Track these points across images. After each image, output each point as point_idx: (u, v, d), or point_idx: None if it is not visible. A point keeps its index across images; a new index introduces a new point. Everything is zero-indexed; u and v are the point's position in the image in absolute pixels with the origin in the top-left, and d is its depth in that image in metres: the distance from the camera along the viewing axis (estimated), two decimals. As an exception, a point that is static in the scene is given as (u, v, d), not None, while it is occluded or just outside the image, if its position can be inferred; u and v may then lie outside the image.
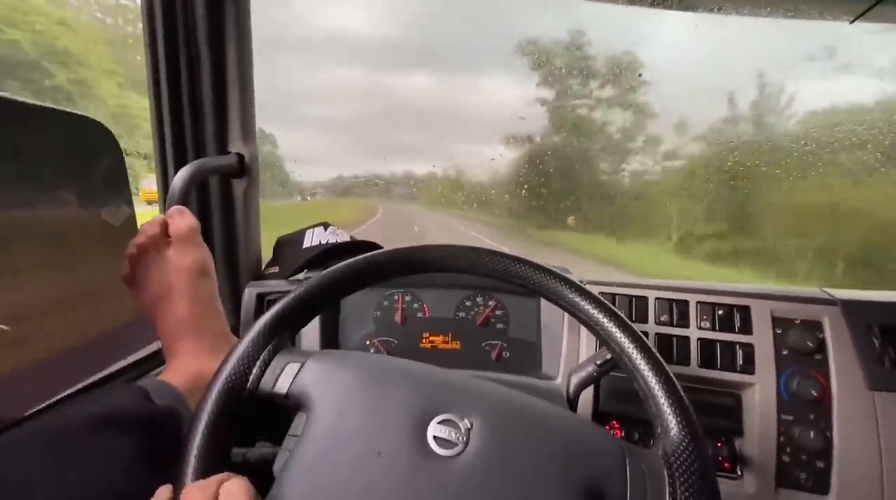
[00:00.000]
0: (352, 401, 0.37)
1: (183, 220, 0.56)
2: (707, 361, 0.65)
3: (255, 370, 0.38)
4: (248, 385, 0.37)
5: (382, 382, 0.38)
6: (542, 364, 0.75)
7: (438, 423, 0.36)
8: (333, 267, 0.45)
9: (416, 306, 0.80)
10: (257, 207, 0.84)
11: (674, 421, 0.35)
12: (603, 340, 0.42)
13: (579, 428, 0.38)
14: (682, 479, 0.32)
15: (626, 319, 0.42)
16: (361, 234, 0.86)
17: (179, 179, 0.67)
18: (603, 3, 0.71)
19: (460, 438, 0.35)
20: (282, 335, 0.41)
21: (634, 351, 0.39)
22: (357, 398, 0.37)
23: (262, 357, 0.39)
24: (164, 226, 0.55)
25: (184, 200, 0.66)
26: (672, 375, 0.38)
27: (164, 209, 0.71)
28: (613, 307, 0.43)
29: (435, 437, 0.35)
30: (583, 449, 0.36)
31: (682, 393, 0.36)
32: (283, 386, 0.38)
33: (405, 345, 0.78)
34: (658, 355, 0.40)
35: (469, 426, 0.36)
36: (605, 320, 0.42)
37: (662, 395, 0.36)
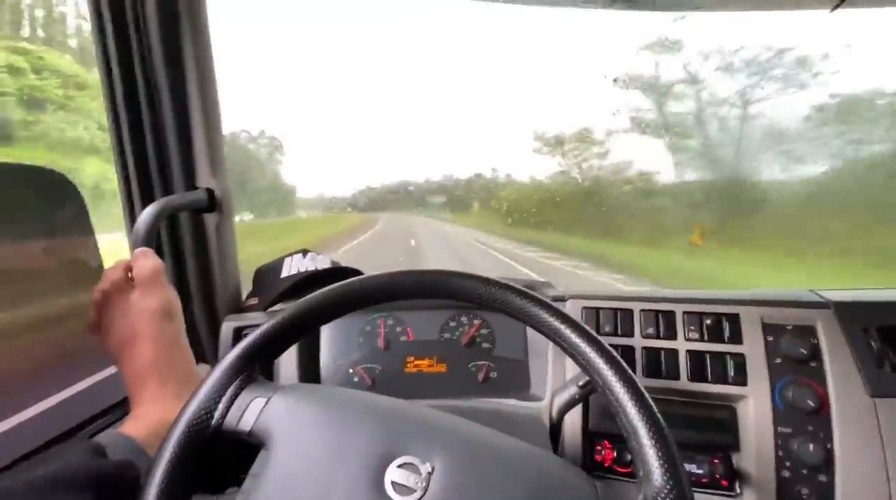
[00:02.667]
0: (312, 440, 0.36)
1: (146, 262, 0.55)
2: (697, 374, 0.63)
3: (220, 406, 0.37)
4: (213, 423, 0.36)
5: (345, 419, 0.37)
6: (530, 384, 0.73)
7: (398, 466, 0.34)
8: (306, 298, 0.43)
9: (399, 329, 0.79)
10: (232, 240, 0.82)
11: (657, 466, 0.32)
12: (583, 367, 0.39)
13: (552, 473, 0.36)
14: None
15: (605, 344, 0.39)
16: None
17: (144, 219, 0.65)
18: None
19: (419, 483, 0.34)
20: (251, 369, 0.40)
21: (617, 384, 0.36)
22: (318, 437, 0.36)
23: (228, 393, 0.38)
24: (128, 270, 0.54)
25: (149, 238, 0.65)
26: (658, 413, 0.35)
27: (131, 250, 0.69)
28: (590, 331, 0.40)
29: (393, 482, 0.34)
30: (553, 497, 0.34)
31: (669, 435, 0.33)
32: (247, 423, 0.37)
33: (389, 371, 0.76)
34: (643, 388, 0.36)
35: (430, 469, 0.34)
36: (582, 344, 0.39)
37: (646, 436, 0.33)
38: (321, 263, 0.85)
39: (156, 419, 0.47)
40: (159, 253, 0.70)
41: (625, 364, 0.38)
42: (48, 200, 0.58)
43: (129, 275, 0.54)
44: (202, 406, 0.37)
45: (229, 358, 0.40)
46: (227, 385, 0.38)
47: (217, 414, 0.37)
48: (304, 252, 0.87)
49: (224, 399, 0.37)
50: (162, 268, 0.55)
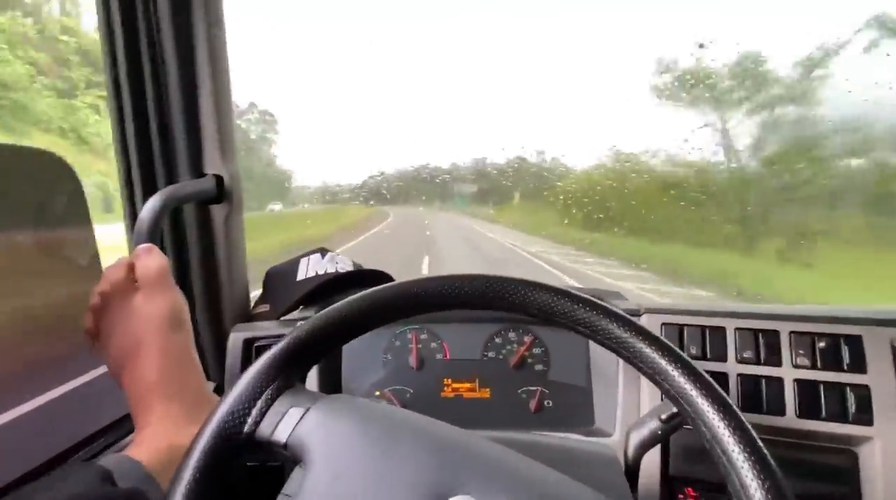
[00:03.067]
0: (353, 461, 0.36)
1: (151, 260, 0.55)
2: (808, 409, 0.60)
3: (254, 412, 0.37)
4: (246, 429, 0.37)
5: (392, 441, 0.37)
6: (594, 416, 0.72)
7: None
8: (352, 298, 0.44)
9: (434, 345, 0.78)
10: (242, 235, 0.83)
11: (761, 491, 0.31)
12: (667, 393, 0.38)
13: None
14: None
15: (694, 364, 0.38)
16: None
17: (148, 210, 0.65)
18: None
19: None
20: (289, 374, 0.40)
21: (715, 417, 0.35)
22: (360, 458, 0.36)
23: (264, 397, 0.38)
24: (131, 269, 0.54)
25: (153, 233, 0.65)
26: (769, 457, 0.33)
27: (131, 245, 0.70)
28: (676, 348, 0.39)
29: None
30: None
31: (785, 486, 0.32)
32: (283, 433, 0.37)
33: (423, 395, 0.76)
34: (748, 424, 0.35)
35: None
36: (666, 365, 0.38)
37: (755, 485, 0.31)
38: (343, 264, 0.85)
39: (164, 444, 0.47)
40: (161, 250, 0.70)
41: (724, 394, 0.36)
42: (42, 183, 0.59)
43: (132, 276, 0.54)
44: (235, 409, 0.37)
45: (265, 359, 0.40)
46: (263, 389, 0.38)
47: (251, 420, 0.37)
48: (323, 252, 0.87)
49: (259, 403, 0.38)
50: (168, 268, 0.56)
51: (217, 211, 0.78)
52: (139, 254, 0.56)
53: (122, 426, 0.67)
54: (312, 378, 0.74)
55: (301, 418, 0.37)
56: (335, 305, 0.43)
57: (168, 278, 0.55)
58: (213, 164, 0.76)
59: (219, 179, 0.76)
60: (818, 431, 0.59)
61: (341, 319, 0.43)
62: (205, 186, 0.75)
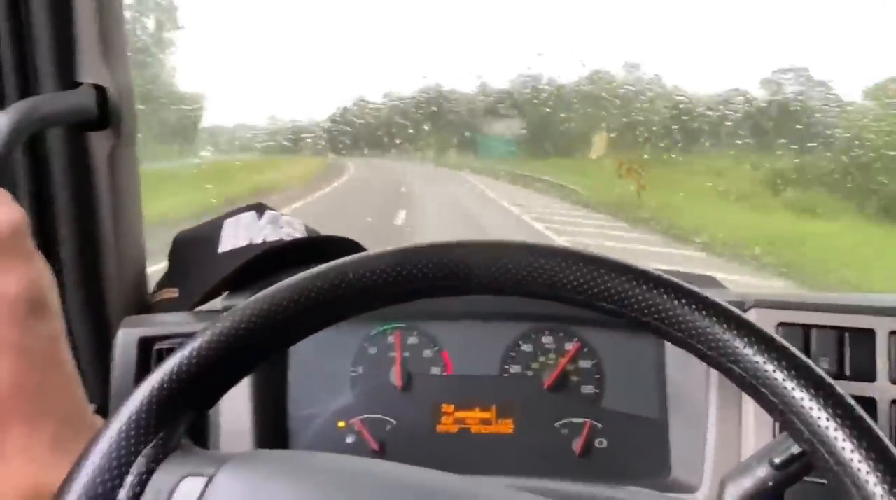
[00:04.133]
0: None
1: (1, 214, 0.54)
2: None
3: (122, 493, 0.36)
4: None
5: None
6: (670, 463, 0.73)
7: None
8: (275, 287, 0.43)
9: (428, 353, 0.79)
10: (136, 180, 0.84)
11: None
12: (786, 421, 0.39)
13: None
14: None
15: (835, 385, 0.39)
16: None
17: None
18: None
19: None
20: (172, 425, 0.40)
21: (858, 459, 0.35)
22: None
23: (134, 469, 0.37)
24: None
25: (1, 173, 0.65)
26: None
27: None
28: (804, 357, 0.40)
29: None
30: None
31: None
32: None
33: (410, 428, 0.77)
34: None
35: None
36: (787, 381, 0.39)
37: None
38: (290, 229, 0.86)
39: (25, 482, 0.48)
40: (15, 199, 0.70)
41: (881, 434, 0.36)
42: None
43: None
44: (93, 487, 0.36)
45: (136, 401, 0.39)
46: (132, 455, 0.38)
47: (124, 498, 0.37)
48: (260, 210, 0.88)
49: (130, 480, 0.37)
50: (26, 225, 0.54)
51: (98, 141, 0.77)
52: None
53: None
54: (243, 405, 0.74)
55: (201, 494, 0.37)
56: (264, 291, 0.43)
57: (26, 241, 0.54)
58: (91, 68, 0.76)
59: (101, 91, 0.76)
60: None
61: (267, 315, 0.42)
62: (79, 102, 0.74)
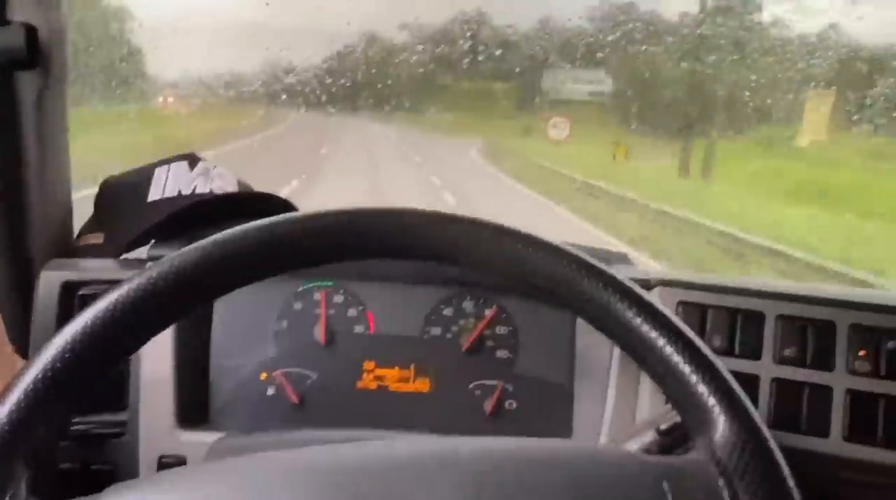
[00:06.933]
0: None
1: None
2: (860, 429, 0.64)
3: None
4: None
5: None
6: (572, 426, 0.75)
7: None
8: (205, 241, 0.43)
9: (353, 312, 0.79)
10: (64, 122, 0.82)
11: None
12: (670, 397, 0.44)
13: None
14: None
15: (715, 359, 0.42)
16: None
17: None
18: None
19: None
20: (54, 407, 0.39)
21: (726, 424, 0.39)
22: None
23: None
24: None
25: None
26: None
27: None
28: (691, 335, 0.43)
29: None
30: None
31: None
32: None
33: (331, 383, 0.77)
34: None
35: None
36: (672, 357, 0.42)
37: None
38: (221, 182, 0.85)
39: None
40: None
41: (750, 405, 0.40)
42: None
43: None
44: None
45: (28, 378, 0.37)
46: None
47: None
48: (192, 160, 0.86)
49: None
50: None
51: (26, 81, 0.76)
52: None
53: None
54: (165, 356, 0.73)
55: None
56: (194, 244, 0.42)
57: None
58: (22, 6, 0.74)
59: (30, 30, 0.74)
60: (870, 461, 0.63)
61: (195, 269, 0.42)
62: (8, 40, 0.72)
